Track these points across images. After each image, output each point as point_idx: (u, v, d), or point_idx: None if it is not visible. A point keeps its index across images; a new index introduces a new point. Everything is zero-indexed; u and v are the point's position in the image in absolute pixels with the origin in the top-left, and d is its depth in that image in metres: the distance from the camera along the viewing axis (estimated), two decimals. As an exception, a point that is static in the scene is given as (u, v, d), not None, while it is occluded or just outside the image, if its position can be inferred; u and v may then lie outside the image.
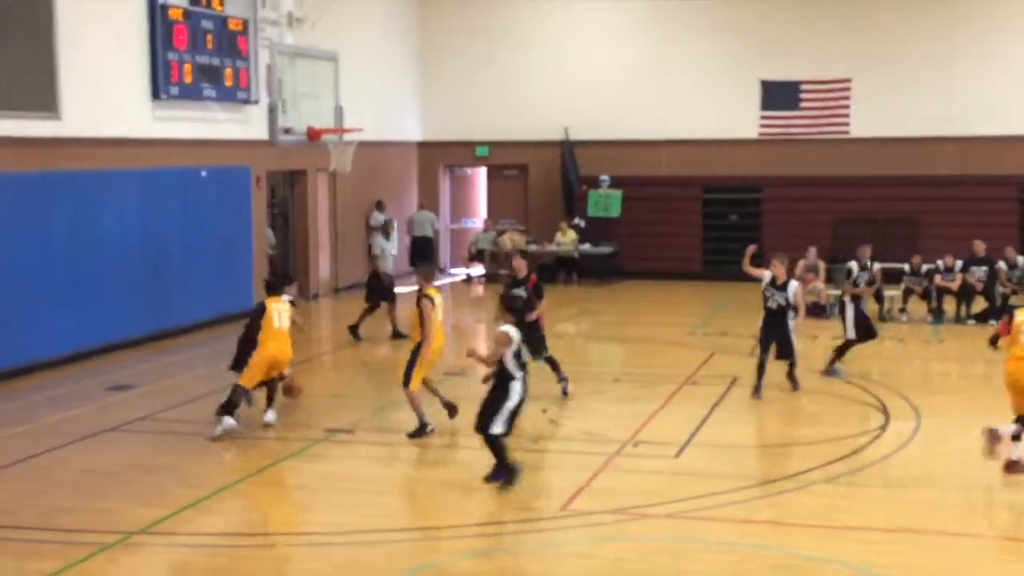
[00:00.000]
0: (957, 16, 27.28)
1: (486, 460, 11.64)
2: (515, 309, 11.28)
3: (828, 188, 27.55)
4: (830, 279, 23.12)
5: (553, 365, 14.96)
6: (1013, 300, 21.72)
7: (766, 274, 15.36)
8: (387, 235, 21.04)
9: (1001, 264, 21.80)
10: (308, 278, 24.76)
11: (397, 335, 19.59)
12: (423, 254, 26.90)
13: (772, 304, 15.15)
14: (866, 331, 16.41)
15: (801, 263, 22.94)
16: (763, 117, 28.01)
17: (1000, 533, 9.78)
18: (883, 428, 13.33)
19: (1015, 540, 9.64)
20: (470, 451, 12.59)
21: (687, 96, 28.52)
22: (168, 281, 19.82)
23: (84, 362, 17.49)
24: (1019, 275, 21.79)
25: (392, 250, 20.92)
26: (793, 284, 15.21)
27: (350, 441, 13.00)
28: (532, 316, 14.29)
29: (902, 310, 21.98)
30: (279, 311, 13.59)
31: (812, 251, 23.19)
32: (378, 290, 20.12)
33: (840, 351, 16.50)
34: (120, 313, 18.59)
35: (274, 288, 13.88)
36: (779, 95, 27.80)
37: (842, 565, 8.89)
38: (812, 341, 18.87)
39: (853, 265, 16.88)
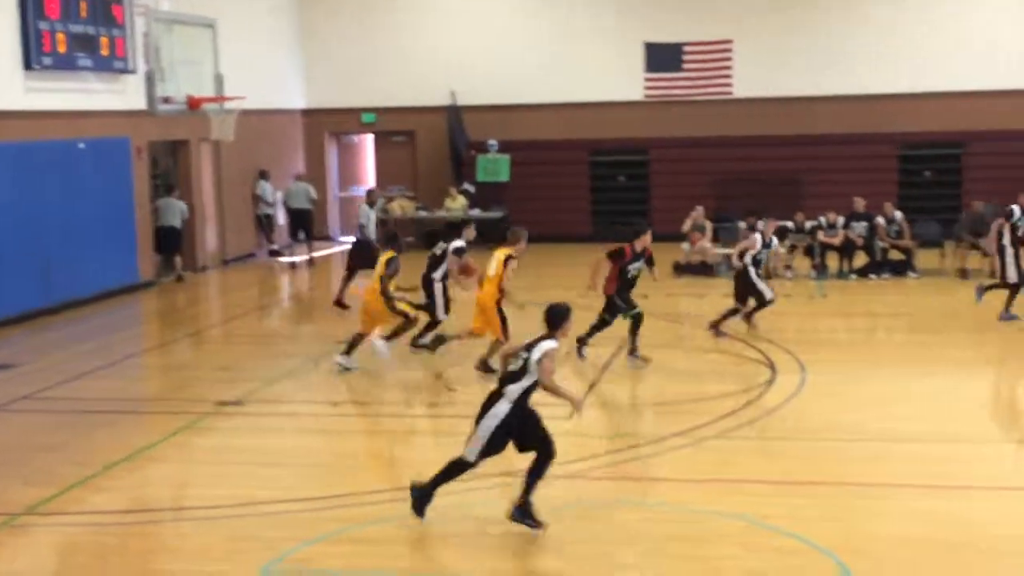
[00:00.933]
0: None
1: (386, 427, 11.64)
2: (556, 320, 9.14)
3: (713, 148, 27.87)
4: (717, 237, 23.47)
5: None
6: (892, 254, 22.32)
7: (756, 239, 16.40)
8: (371, 203, 20.72)
9: (880, 220, 22.31)
10: (194, 250, 24.36)
11: (340, 304, 19.25)
12: (301, 226, 26.45)
13: (764, 261, 16.71)
14: None
15: (688, 222, 23.28)
16: (647, 79, 28.20)
17: (887, 480, 10.02)
18: (770, 383, 13.57)
19: (903, 487, 9.89)
20: (365, 419, 12.54)
21: (572, 59, 28.56)
22: (48, 257, 19.29)
23: (-38, 342, 17.01)
24: (897, 230, 22.33)
25: (375, 218, 20.52)
26: (775, 239, 17.20)
27: (241, 413, 12.83)
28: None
29: (787, 266, 22.38)
30: (379, 263, 14.44)
31: (699, 210, 23.50)
32: (361, 258, 19.71)
33: (1011, 295, 16.86)
34: (-1, 290, 18.10)
35: (386, 243, 15.04)
36: (662, 57, 28.00)
37: (737, 518, 9.04)
38: (700, 299, 19.15)
39: (1016, 208, 17.16)
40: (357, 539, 8.89)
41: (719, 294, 19.75)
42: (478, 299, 14.20)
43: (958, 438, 11.27)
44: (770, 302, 16.43)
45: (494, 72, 28.64)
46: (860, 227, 22.35)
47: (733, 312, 16.46)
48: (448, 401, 13.24)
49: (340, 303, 19.02)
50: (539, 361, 8.76)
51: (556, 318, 9.07)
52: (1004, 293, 16.98)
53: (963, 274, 21.46)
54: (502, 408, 8.80)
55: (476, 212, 27.84)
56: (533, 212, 28.38)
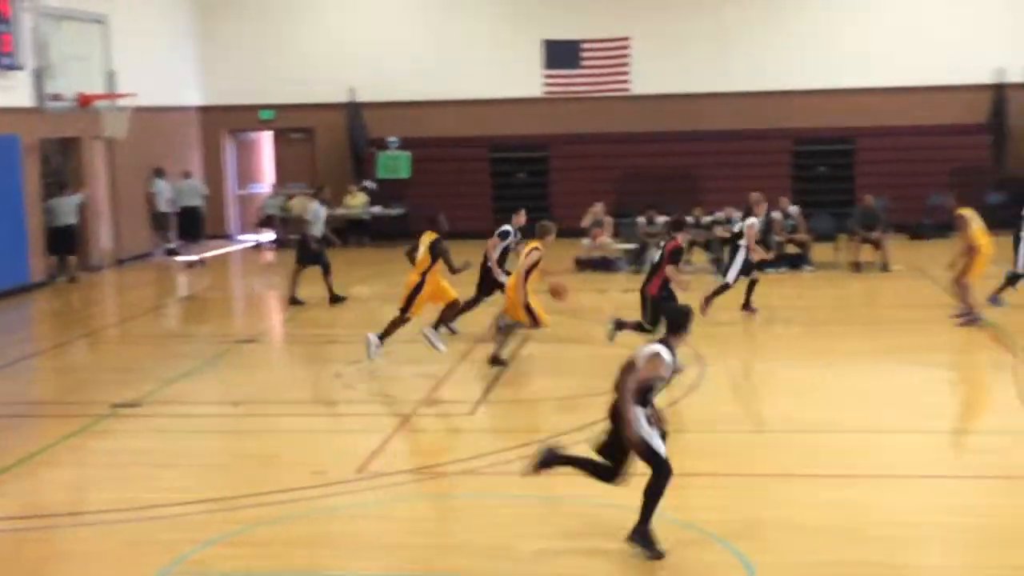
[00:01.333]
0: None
1: (285, 427, 11.54)
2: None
3: (612, 144, 28.09)
4: (617, 233, 23.64)
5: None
6: (788, 248, 22.68)
7: (754, 222, 17.46)
8: (324, 201, 20.57)
9: (776, 214, 22.66)
10: (88, 249, 23.88)
11: (335, 299, 19.15)
12: (192, 224, 26.04)
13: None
14: None
15: (588, 218, 23.42)
16: (546, 76, 28.29)
17: (786, 471, 10.18)
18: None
19: (802, 477, 10.05)
20: (263, 419, 12.40)
21: (471, 56, 28.56)
22: (-65, 258, 18.81)
23: None
24: (792, 224, 22.71)
25: (323, 215, 20.31)
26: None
27: (138, 415, 12.61)
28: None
29: (686, 261, 22.61)
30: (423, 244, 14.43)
31: (599, 206, 23.65)
32: (307, 254, 19.43)
33: (1011, 281, 17.38)
34: None
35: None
36: (561, 54, 28.11)
37: (634, 511, 9.11)
38: (600, 295, 19.25)
39: None
40: (255, 541, 8.79)
41: (619, 289, 19.92)
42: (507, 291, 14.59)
43: (855, 428, 11.48)
44: (727, 287, 17.13)
45: (394, 69, 28.52)
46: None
47: (750, 286, 17.39)
48: (347, 400, 13.15)
49: (295, 300, 19.13)
50: (637, 362, 8.02)
51: (676, 321, 8.36)
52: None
53: (856, 267, 21.89)
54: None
55: (377, 209, 27.73)
56: (434, 209, 28.35)
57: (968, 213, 16.44)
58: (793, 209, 22.88)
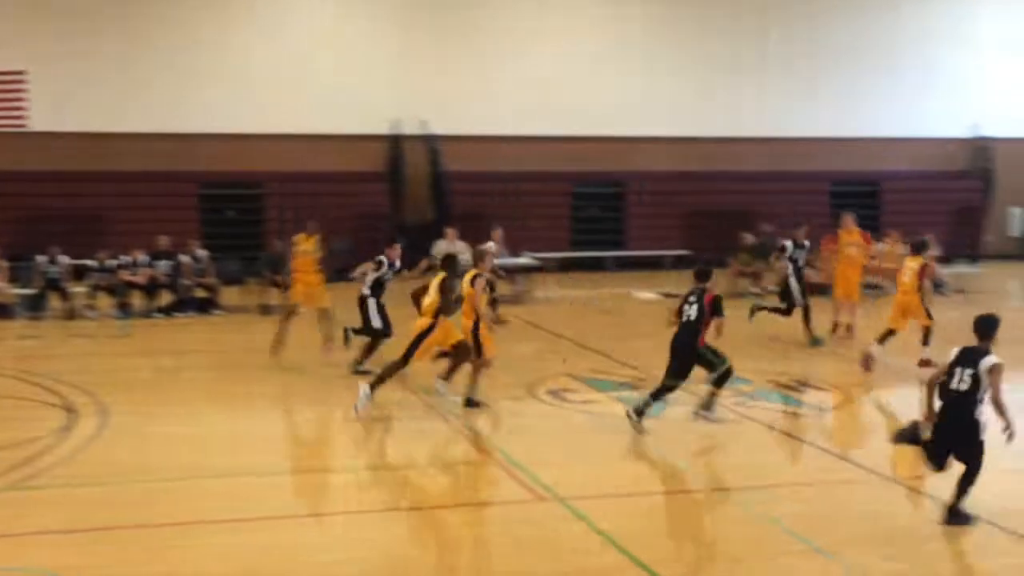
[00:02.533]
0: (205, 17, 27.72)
1: None
2: None
3: (11, 183, 26.56)
4: (15, 278, 22.26)
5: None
6: (197, 292, 22.52)
7: (382, 261, 15.62)
8: None
9: (185, 258, 22.49)
10: None
11: None
12: None
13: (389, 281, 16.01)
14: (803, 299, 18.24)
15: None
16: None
17: (194, 518, 9.96)
18: (69, 427, 13.03)
19: (209, 523, 9.89)
20: None
21: None
22: None
23: None
24: (201, 268, 22.64)
25: None
26: (398, 262, 16.12)
27: None
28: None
29: (89, 306, 21.83)
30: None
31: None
32: None
33: (777, 312, 18.31)
34: None
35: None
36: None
37: (24, 572, 8.53)
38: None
39: (789, 243, 18.43)
40: None
41: (15, 336, 18.86)
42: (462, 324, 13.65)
43: (264, 471, 11.50)
44: (384, 334, 15.60)
45: None
46: (165, 265, 22.37)
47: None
48: None
49: None
50: (990, 373, 9.00)
51: (990, 328, 9.32)
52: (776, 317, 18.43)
53: (265, 310, 22.12)
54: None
55: None
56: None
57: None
58: (202, 252, 22.81)
